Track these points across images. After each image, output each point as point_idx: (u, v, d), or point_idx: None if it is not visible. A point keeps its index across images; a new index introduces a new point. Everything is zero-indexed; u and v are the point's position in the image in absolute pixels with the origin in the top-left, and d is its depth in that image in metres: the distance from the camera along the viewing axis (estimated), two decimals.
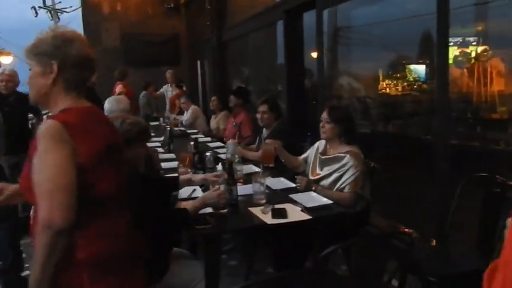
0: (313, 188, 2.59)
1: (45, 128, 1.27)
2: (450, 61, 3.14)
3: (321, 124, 2.72)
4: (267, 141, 3.14)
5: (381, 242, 1.80)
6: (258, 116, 3.65)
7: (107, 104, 3.14)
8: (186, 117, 6.25)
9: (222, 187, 2.25)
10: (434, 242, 2.69)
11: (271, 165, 2.99)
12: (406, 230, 2.04)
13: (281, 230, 2.12)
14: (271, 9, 5.16)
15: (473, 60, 3.73)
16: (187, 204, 2.13)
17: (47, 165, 1.22)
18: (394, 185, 3.45)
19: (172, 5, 9.21)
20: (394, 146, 3.99)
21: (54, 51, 1.32)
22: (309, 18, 4.41)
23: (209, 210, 2.19)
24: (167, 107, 7.70)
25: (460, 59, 3.77)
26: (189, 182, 2.46)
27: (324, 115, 2.71)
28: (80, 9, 9.45)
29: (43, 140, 1.25)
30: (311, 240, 2.33)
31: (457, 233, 2.53)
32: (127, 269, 1.40)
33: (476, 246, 2.33)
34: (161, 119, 6.73)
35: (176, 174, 2.65)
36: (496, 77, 3.55)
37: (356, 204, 2.57)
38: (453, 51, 3.55)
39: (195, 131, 5.58)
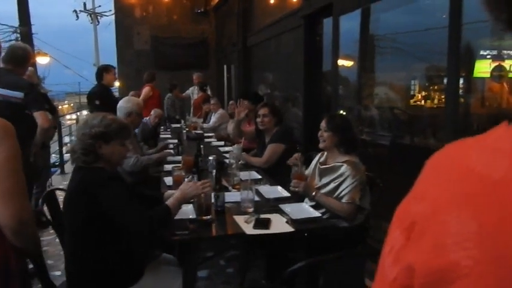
0: (313, 194, 2.51)
1: None
2: (487, 75, 2.98)
3: (319, 133, 2.65)
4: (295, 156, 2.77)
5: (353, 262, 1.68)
6: (259, 120, 3.60)
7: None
8: (212, 119, 6.19)
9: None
10: None
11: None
12: None
13: (264, 241, 2.04)
14: (292, 14, 5.09)
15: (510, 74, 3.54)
16: (170, 199, 2.00)
17: None
18: None
19: (202, 10, 9.32)
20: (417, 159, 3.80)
21: None
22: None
23: (191, 216, 2.14)
24: (191, 109, 7.76)
25: (496, 73, 3.58)
26: None
27: (323, 124, 2.66)
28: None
29: None
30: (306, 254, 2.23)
31: None
32: None
33: None
34: (182, 121, 6.76)
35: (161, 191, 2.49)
36: None
37: (355, 215, 2.46)
38: (489, 65, 3.40)
39: (211, 134, 5.57)
